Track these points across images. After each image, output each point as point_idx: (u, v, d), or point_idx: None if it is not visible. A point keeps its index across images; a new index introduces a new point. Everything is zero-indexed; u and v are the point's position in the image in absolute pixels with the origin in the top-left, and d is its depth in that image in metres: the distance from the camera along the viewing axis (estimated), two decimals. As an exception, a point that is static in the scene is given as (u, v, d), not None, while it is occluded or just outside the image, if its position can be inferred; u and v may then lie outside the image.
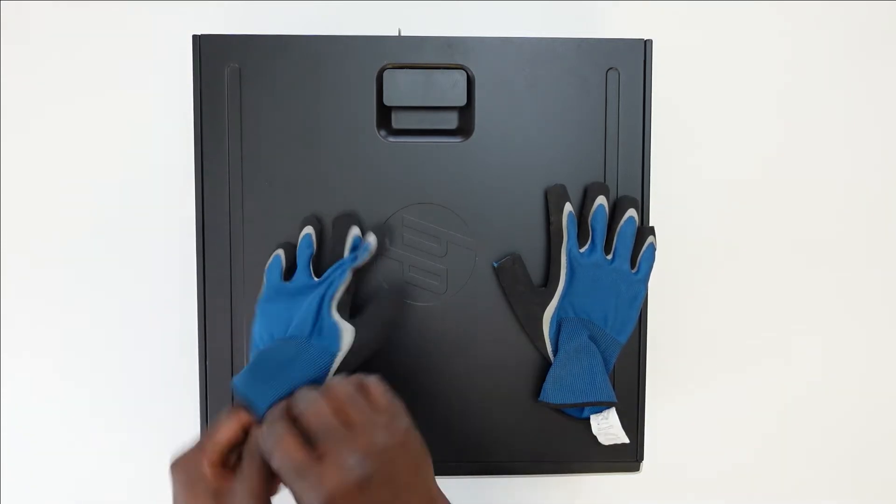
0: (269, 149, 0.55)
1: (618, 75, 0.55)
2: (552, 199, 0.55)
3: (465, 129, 0.56)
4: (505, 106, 0.55)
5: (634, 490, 0.70)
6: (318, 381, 0.50)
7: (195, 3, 0.67)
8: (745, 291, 0.70)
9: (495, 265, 0.55)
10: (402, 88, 0.55)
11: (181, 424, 0.69)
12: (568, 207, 0.54)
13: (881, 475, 0.73)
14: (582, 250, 0.55)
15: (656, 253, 0.56)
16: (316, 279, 0.53)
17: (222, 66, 0.54)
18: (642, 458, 0.58)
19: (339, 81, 0.55)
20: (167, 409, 0.69)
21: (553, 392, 0.54)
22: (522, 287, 0.55)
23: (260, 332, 0.53)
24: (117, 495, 0.70)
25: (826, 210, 0.70)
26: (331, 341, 0.51)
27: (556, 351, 0.55)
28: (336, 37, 0.55)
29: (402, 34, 0.57)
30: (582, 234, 0.55)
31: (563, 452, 0.57)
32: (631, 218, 0.55)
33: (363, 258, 0.53)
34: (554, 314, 0.55)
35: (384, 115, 0.56)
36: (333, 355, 0.51)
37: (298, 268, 0.54)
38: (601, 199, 0.55)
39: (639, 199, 0.56)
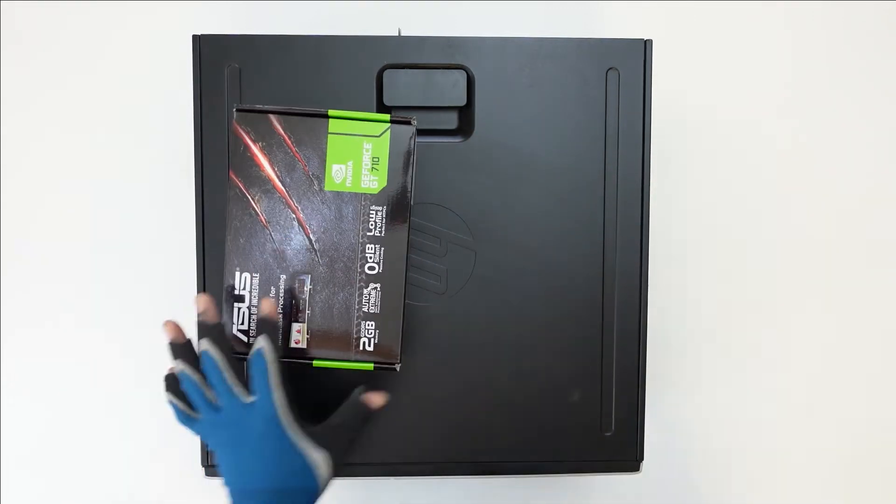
0: (269, 149, 0.55)
1: (618, 75, 0.55)
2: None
3: (465, 129, 0.56)
4: (505, 106, 0.55)
5: (634, 490, 0.70)
6: None
7: (195, 3, 0.67)
8: (746, 291, 0.70)
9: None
10: (402, 88, 0.55)
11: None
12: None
13: (883, 476, 0.73)
14: None
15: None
16: (245, 398, 0.46)
17: (222, 66, 0.54)
18: (642, 458, 0.58)
19: (339, 81, 0.55)
20: (166, 408, 0.69)
21: None
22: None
23: (227, 477, 0.46)
24: (116, 496, 0.70)
25: (827, 209, 0.70)
26: (306, 480, 0.44)
27: None
28: (336, 37, 0.55)
29: (402, 34, 0.57)
30: None
31: (564, 452, 0.57)
32: None
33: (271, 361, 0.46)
34: None
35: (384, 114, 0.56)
36: (314, 496, 0.45)
37: (216, 388, 0.46)
38: None
39: (639, 198, 0.56)
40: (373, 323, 0.49)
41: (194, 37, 0.54)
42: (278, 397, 0.45)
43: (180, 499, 0.69)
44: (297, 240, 0.49)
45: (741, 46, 0.69)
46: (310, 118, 0.48)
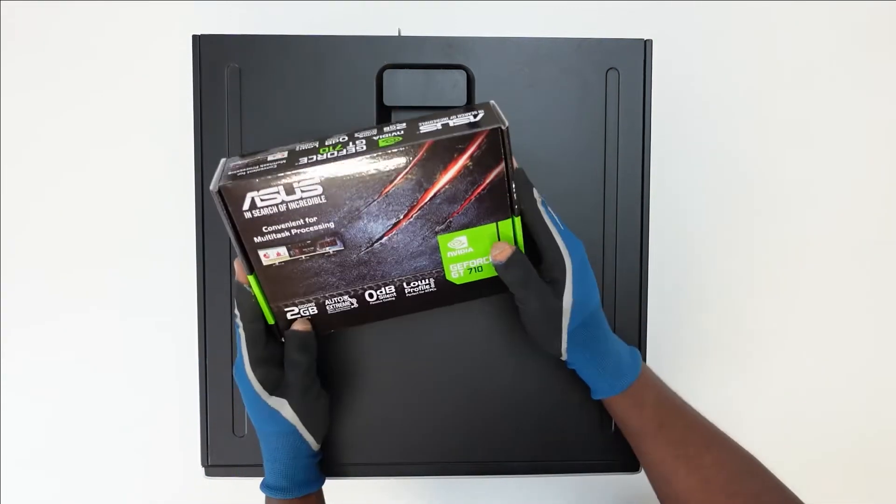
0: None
1: (618, 75, 0.55)
2: (523, 188, 0.49)
3: (465, 129, 0.56)
4: (505, 106, 0.55)
5: (634, 490, 0.70)
6: (307, 456, 0.52)
7: (195, 3, 0.67)
8: (745, 291, 0.70)
9: (498, 263, 0.48)
10: (402, 88, 0.55)
11: (181, 424, 0.69)
12: (536, 192, 0.50)
13: (882, 476, 0.73)
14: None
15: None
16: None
17: (222, 66, 0.54)
18: (642, 458, 0.58)
19: (339, 81, 0.55)
20: (167, 408, 0.69)
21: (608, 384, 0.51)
22: (535, 279, 0.48)
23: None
24: (116, 495, 0.70)
25: (827, 209, 0.71)
26: (279, 424, 0.50)
27: (570, 346, 0.49)
28: (336, 37, 0.55)
29: (402, 34, 0.57)
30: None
31: (563, 452, 0.57)
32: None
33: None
34: (572, 304, 0.48)
35: (384, 115, 0.55)
36: (292, 436, 0.51)
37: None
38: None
39: (639, 198, 0.56)
40: None
41: (194, 37, 0.54)
42: (246, 358, 0.49)
43: (181, 499, 0.69)
44: (376, 228, 0.47)
45: (741, 46, 0.69)
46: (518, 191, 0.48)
